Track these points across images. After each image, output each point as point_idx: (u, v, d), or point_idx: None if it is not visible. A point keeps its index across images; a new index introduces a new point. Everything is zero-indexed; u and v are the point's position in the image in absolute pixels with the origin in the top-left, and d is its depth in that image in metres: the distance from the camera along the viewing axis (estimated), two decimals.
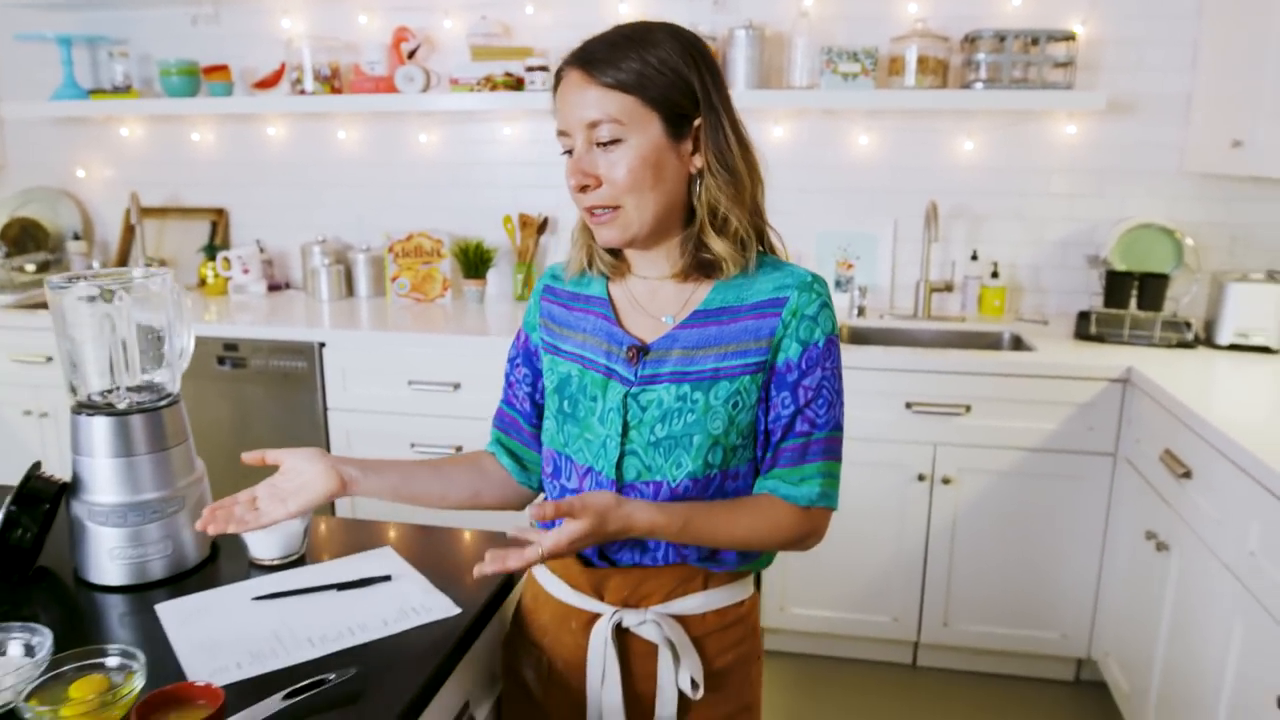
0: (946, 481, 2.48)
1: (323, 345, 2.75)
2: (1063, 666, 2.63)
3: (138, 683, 0.88)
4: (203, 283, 3.39)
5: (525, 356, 1.23)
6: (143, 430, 1.16)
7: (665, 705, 1.09)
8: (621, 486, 1.08)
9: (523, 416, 1.23)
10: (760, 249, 1.11)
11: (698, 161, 1.05)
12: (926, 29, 2.75)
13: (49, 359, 2.98)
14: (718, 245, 1.05)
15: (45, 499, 1.14)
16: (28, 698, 0.86)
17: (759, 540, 1.06)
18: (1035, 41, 2.68)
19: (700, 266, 1.08)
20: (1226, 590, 1.76)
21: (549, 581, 1.16)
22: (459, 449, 2.70)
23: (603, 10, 3.01)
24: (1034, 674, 2.64)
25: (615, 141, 1.00)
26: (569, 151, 1.04)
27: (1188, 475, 1.96)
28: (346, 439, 2.79)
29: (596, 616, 1.10)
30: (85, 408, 1.16)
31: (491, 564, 0.94)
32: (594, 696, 1.10)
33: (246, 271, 3.29)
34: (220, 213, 3.49)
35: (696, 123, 1.04)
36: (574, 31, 3.03)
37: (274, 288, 3.37)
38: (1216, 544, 1.82)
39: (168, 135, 3.47)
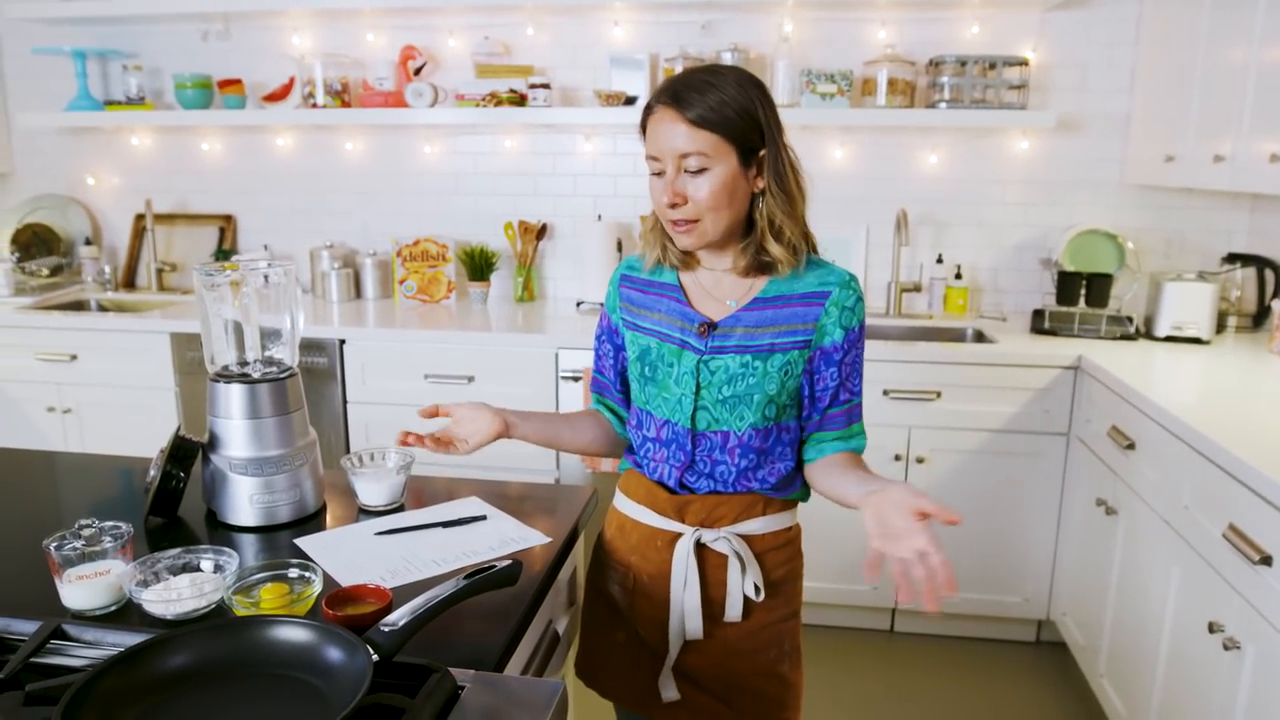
0: (920, 461, 2.75)
1: (343, 342, 2.95)
2: (1025, 628, 2.91)
3: (316, 587, 1.10)
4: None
5: (608, 334, 1.48)
6: (269, 397, 1.37)
7: (733, 606, 1.35)
8: (695, 434, 1.35)
9: (609, 382, 1.50)
10: (808, 250, 1.37)
11: (760, 183, 1.30)
12: (896, 54, 3.04)
13: (73, 357, 3.13)
14: (775, 249, 1.31)
15: (192, 455, 1.35)
16: (233, 594, 1.07)
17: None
18: (992, 66, 2.98)
19: (759, 266, 1.34)
20: (1165, 542, 2.04)
21: (636, 511, 1.41)
22: (471, 379, 2.91)
23: (599, 33, 3.26)
24: (1000, 636, 2.92)
25: (701, 170, 1.25)
26: (659, 173, 1.29)
27: (1131, 446, 2.24)
28: (365, 430, 2.98)
29: (678, 536, 1.36)
30: (222, 377, 1.37)
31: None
32: (676, 600, 1.35)
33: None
34: (228, 219, 3.66)
35: (761, 153, 1.29)
36: (571, 51, 3.32)
37: None
38: (1157, 503, 2.10)
39: (178, 145, 3.63)
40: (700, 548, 1.35)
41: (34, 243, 3.68)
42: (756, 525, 1.37)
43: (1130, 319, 2.90)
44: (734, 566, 1.35)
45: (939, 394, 2.72)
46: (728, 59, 3.05)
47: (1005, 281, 3.25)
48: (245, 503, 1.35)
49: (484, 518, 1.41)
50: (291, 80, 3.41)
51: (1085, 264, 3.02)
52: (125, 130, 3.63)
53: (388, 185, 3.53)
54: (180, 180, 3.66)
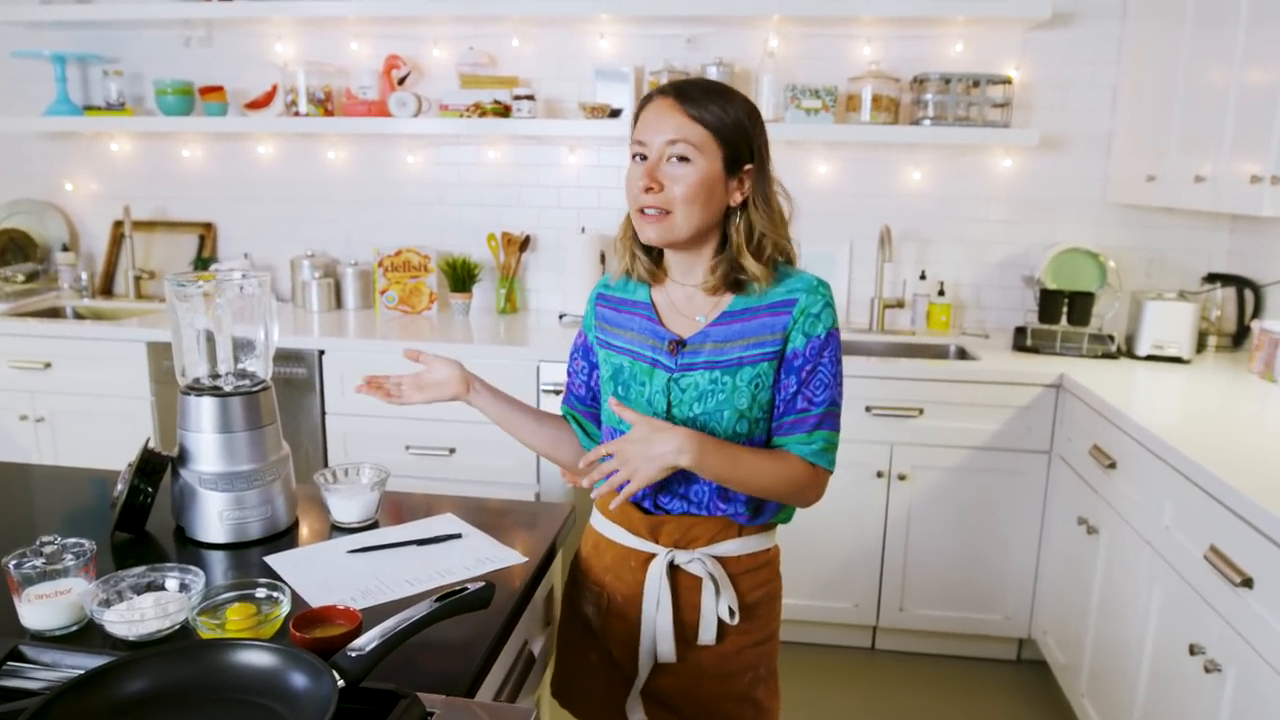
0: (902, 478, 2.75)
1: (322, 353, 2.91)
2: (1006, 647, 2.91)
3: (284, 608, 1.07)
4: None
5: (584, 352, 1.47)
6: (241, 410, 1.34)
7: (707, 630, 1.33)
8: None
9: (580, 400, 1.48)
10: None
11: (738, 197, 1.29)
12: (880, 71, 3.05)
13: (47, 365, 3.08)
14: (752, 266, 1.29)
15: (161, 469, 1.32)
16: (198, 615, 1.04)
17: (775, 486, 1.28)
18: (976, 84, 2.99)
19: (732, 285, 1.31)
20: (1146, 562, 2.04)
21: (610, 530, 1.38)
22: (452, 450, 2.89)
23: (584, 45, 3.25)
24: (981, 654, 2.91)
25: (684, 160, 1.24)
26: (639, 157, 1.27)
27: (1113, 466, 2.24)
28: (343, 442, 2.95)
29: (652, 556, 1.34)
30: (193, 389, 1.34)
31: (594, 473, 1.22)
32: (648, 622, 1.33)
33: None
34: (208, 227, 3.62)
35: (747, 168, 1.29)
36: (556, 63, 3.31)
37: None
38: (1138, 523, 2.10)
39: (158, 151, 3.59)
40: (674, 569, 1.33)
41: (9, 248, 3.63)
42: (732, 547, 1.34)
43: (1112, 337, 2.91)
44: (708, 589, 1.32)
45: (921, 411, 2.71)
46: (713, 73, 3.05)
47: (988, 298, 3.26)
48: (215, 519, 1.32)
49: (459, 536, 1.38)
50: (274, 88, 3.38)
51: (1067, 282, 3.02)
52: (105, 136, 3.59)
53: (370, 195, 3.50)
54: (160, 187, 3.63)
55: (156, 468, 1.32)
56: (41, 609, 1.06)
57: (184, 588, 1.12)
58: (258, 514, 1.34)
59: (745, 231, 1.30)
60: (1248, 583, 1.58)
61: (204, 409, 1.32)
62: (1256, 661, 1.56)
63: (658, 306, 1.38)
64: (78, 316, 3.48)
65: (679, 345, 1.32)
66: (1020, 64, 3.08)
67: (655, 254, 1.38)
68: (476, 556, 1.32)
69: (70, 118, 3.39)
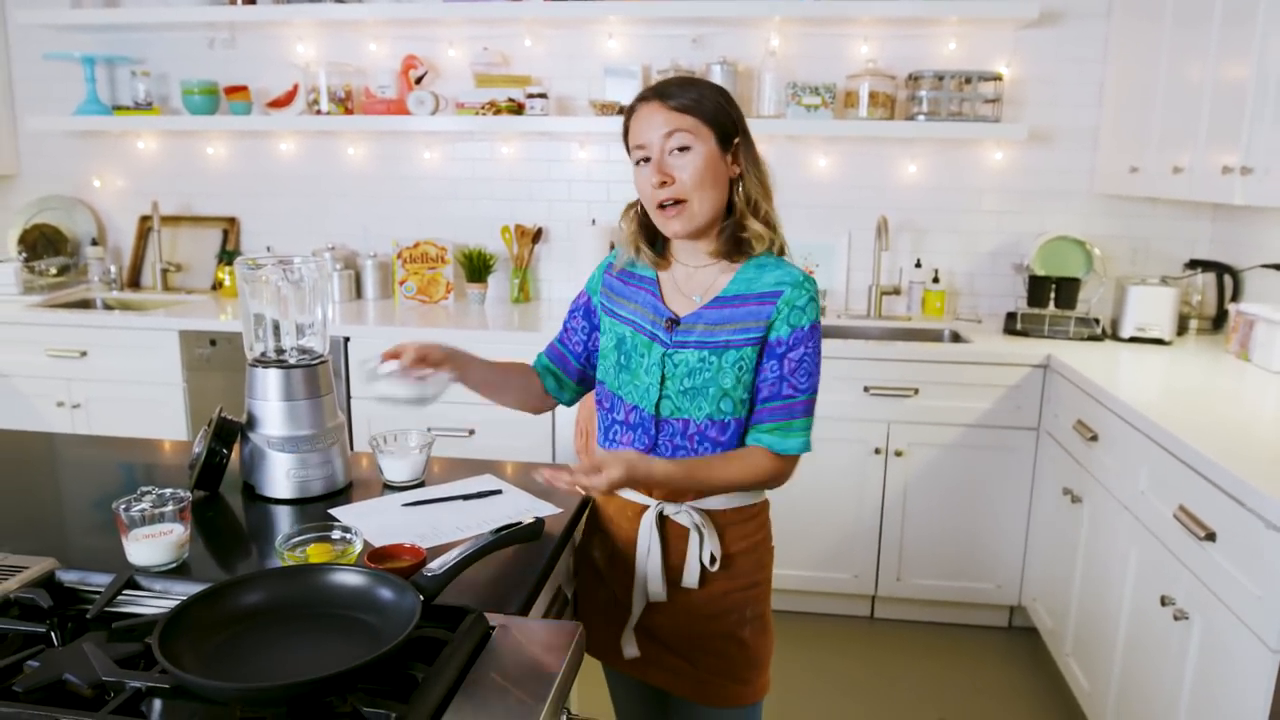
0: (899, 454, 2.90)
1: (348, 340, 3.06)
2: (998, 614, 3.07)
3: (358, 546, 1.23)
4: (218, 285, 3.66)
5: (585, 312, 1.59)
6: (303, 381, 1.49)
7: (690, 574, 1.46)
8: (659, 420, 1.46)
9: (573, 356, 1.61)
10: (769, 251, 1.48)
11: (735, 170, 1.44)
12: (877, 68, 3.20)
13: (83, 353, 3.23)
14: (754, 225, 1.43)
15: (233, 434, 1.47)
16: (286, 551, 1.20)
17: (742, 483, 1.44)
18: (968, 81, 3.14)
19: (737, 246, 1.45)
20: (1124, 526, 2.20)
21: None
22: (472, 432, 3.04)
23: (594, 44, 3.40)
24: (974, 621, 3.07)
25: (685, 149, 1.38)
26: (642, 161, 1.41)
27: (1095, 439, 2.40)
28: (368, 424, 3.10)
29: (646, 508, 1.48)
30: (260, 362, 1.49)
31: (552, 477, 1.34)
32: (640, 565, 1.47)
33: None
34: (232, 221, 3.77)
35: (736, 141, 1.43)
36: (567, 62, 3.47)
37: None
38: (1117, 490, 2.26)
39: (183, 149, 3.74)
40: (664, 519, 1.46)
41: (41, 243, 3.78)
42: (718, 501, 1.47)
43: (1097, 321, 3.06)
44: (693, 538, 1.45)
45: (917, 391, 2.86)
46: (717, 71, 3.20)
47: (980, 285, 3.41)
48: (282, 476, 1.47)
49: (500, 492, 1.54)
50: (295, 87, 3.53)
51: (1055, 269, 3.18)
52: (131, 134, 3.74)
53: (388, 189, 3.65)
54: (185, 183, 3.77)
55: (230, 432, 1.47)
56: (147, 547, 1.21)
57: (345, 541, 1.26)
58: (320, 473, 1.50)
59: (745, 197, 1.44)
60: (1211, 536, 1.74)
61: (270, 380, 1.48)
62: (1218, 608, 1.71)
63: (661, 284, 1.51)
64: (107, 308, 3.63)
65: (674, 323, 1.46)
66: (1010, 62, 3.23)
67: (660, 244, 1.51)
68: (517, 508, 1.48)
69: (99, 117, 3.54)
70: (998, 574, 2.96)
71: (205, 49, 3.62)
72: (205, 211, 3.79)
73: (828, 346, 2.89)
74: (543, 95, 3.30)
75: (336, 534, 1.25)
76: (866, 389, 2.88)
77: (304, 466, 1.48)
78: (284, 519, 1.44)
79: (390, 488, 1.58)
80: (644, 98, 1.42)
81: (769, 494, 1.54)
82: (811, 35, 3.30)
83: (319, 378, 1.52)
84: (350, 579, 1.02)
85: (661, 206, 1.41)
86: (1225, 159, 2.36)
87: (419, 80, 3.45)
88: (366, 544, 1.31)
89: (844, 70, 3.27)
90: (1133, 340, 2.98)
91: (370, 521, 1.41)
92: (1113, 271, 3.24)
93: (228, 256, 3.67)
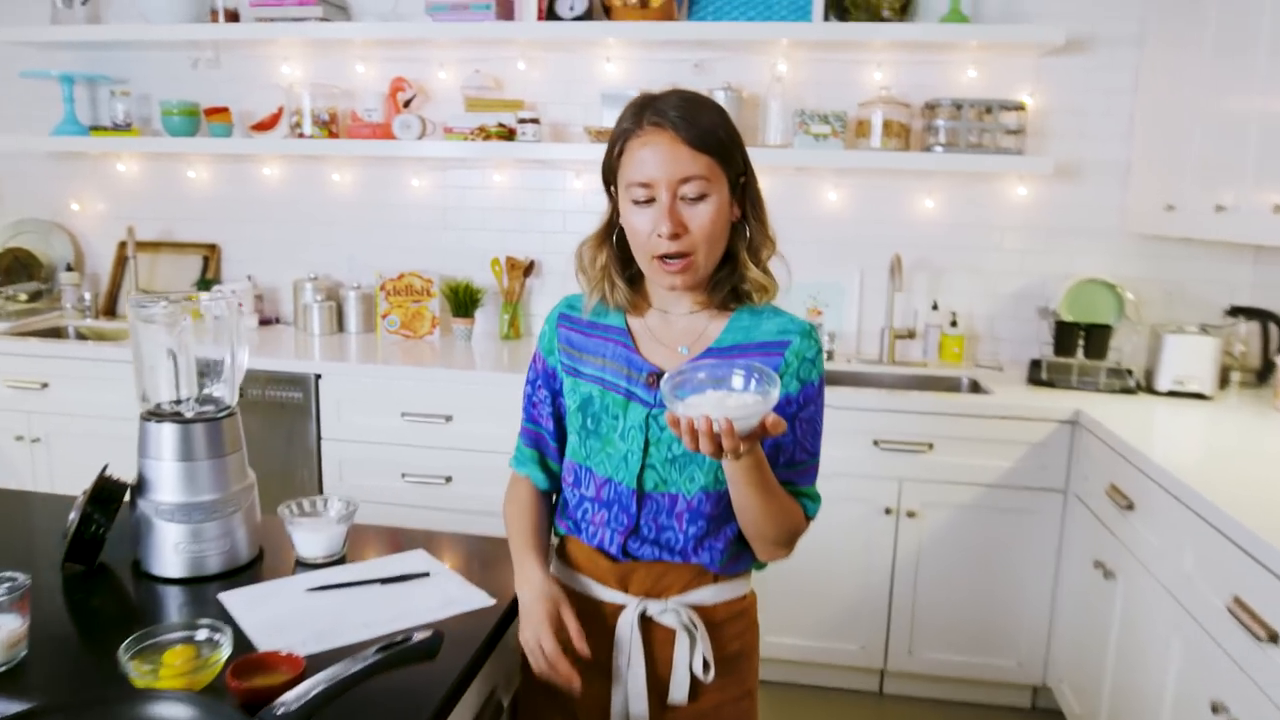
0: (911, 515, 2.65)
1: (319, 377, 2.86)
2: (1020, 694, 2.78)
3: (225, 652, 1.00)
4: (195, 316, 3.47)
5: (545, 379, 1.34)
6: (204, 438, 1.28)
7: (679, 687, 1.22)
8: (642, 495, 1.22)
9: (548, 433, 1.35)
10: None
11: (738, 213, 1.23)
12: (891, 96, 2.99)
13: (44, 385, 3.05)
14: (755, 274, 1.22)
15: (117, 498, 1.26)
16: (130, 659, 0.97)
17: (777, 523, 1.18)
18: (989, 110, 2.92)
19: (734, 297, 1.24)
20: (1166, 611, 1.93)
21: (577, 580, 1.29)
22: (449, 479, 2.82)
23: (591, 69, 3.21)
24: (993, 701, 2.79)
25: (701, 198, 1.16)
26: (647, 201, 1.17)
27: (1130, 507, 2.14)
28: (339, 468, 2.88)
29: (622, 608, 1.24)
30: (154, 415, 1.28)
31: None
32: (620, 679, 1.23)
33: (240, 306, 3.38)
34: (212, 248, 3.59)
35: (742, 180, 1.22)
36: (563, 87, 3.27)
37: (265, 322, 3.47)
38: (1157, 569, 2.00)
39: (163, 172, 3.58)
40: (646, 621, 1.24)
41: (14, 268, 3.62)
42: (707, 594, 1.25)
43: (1130, 372, 2.81)
44: (682, 640, 1.22)
45: (931, 446, 2.62)
46: (721, 97, 2.99)
47: (1002, 330, 3.17)
48: (170, 551, 1.25)
49: (426, 574, 1.31)
50: (280, 110, 3.36)
51: (1084, 314, 2.93)
52: (111, 156, 3.58)
53: (374, 218, 3.47)
54: (165, 208, 3.61)
55: (112, 496, 1.26)
56: None
57: (212, 643, 1.03)
58: (218, 546, 1.27)
59: (747, 243, 1.24)
60: (1274, 638, 1.48)
61: (164, 436, 1.26)
62: None
63: (634, 333, 1.28)
64: (80, 336, 3.46)
65: (659, 378, 1.22)
66: (1034, 90, 3.01)
67: (638, 280, 1.29)
68: (442, 597, 1.24)
69: (76, 138, 3.38)
70: (1020, 650, 2.69)
71: (189, 69, 3.47)
72: (186, 238, 3.62)
73: (834, 395, 2.64)
74: (535, 121, 3.10)
75: (203, 634, 1.03)
76: (876, 443, 2.64)
77: (198, 540, 1.26)
78: (171, 602, 1.22)
79: (303, 565, 1.35)
80: (653, 122, 1.17)
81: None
82: (821, 60, 3.10)
83: (223, 434, 1.30)
84: (171, 714, 0.80)
85: (663, 258, 1.18)
86: (1275, 197, 2.12)
87: (407, 104, 3.27)
88: (245, 644, 1.08)
89: (855, 98, 3.06)
90: (1170, 394, 2.72)
91: (263, 611, 1.18)
92: (1146, 318, 2.99)
93: (205, 285, 3.49)
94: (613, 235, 1.28)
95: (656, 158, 1.16)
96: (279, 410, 2.88)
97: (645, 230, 1.18)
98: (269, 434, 2.90)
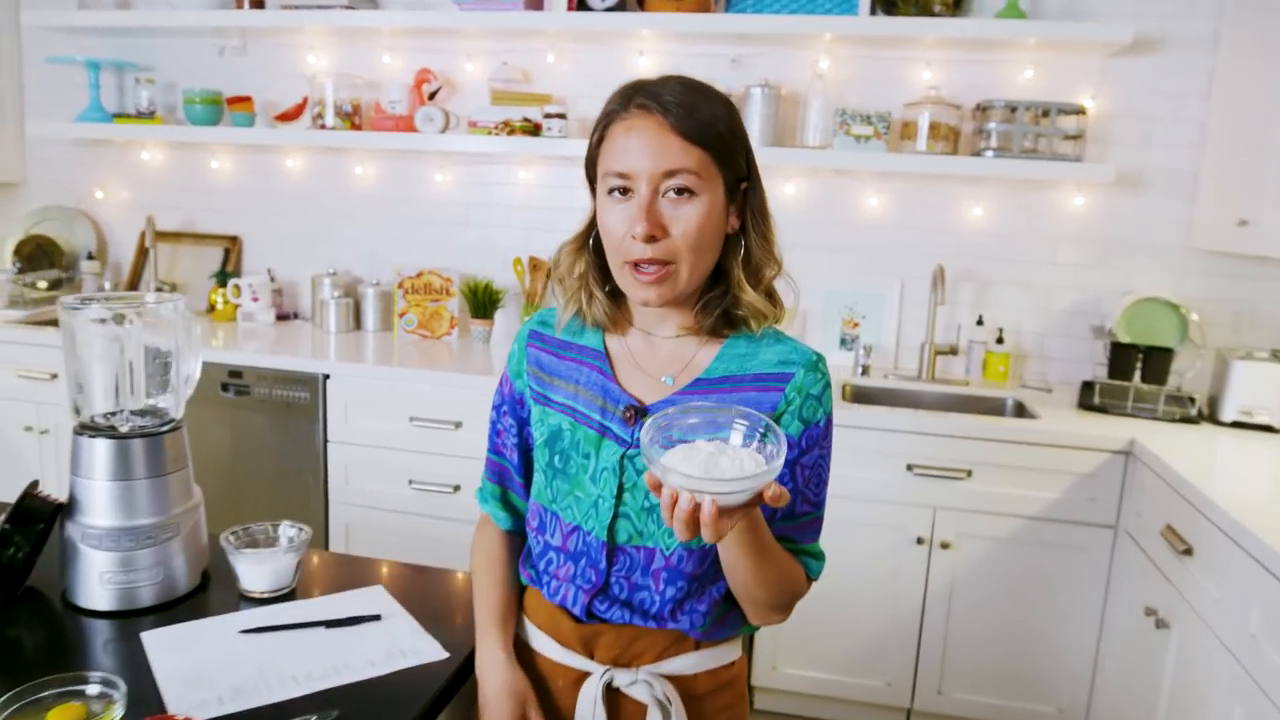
0: (945, 546, 2.46)
1: (327, 377, 2.75)
2: None
3: (116, 713, 0.87)
4: (212, 308, 3.40)
5: (511, 405, 1.18)
6: (143, 455, 1.16)
7: None
8: (613, 549, 1.06)
9: (513, 466, 1.19)
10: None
11: (735, 223, 1.06)
12: (939, 96, 2.79)
13: (53, 376, 2.99)
14: (752, 298, 1.05)
15: (40, 518, 1.14)
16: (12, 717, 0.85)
17: (772, 588, 1.02)
18: (1046, 113, 2.71)
19: (726, 322, 1.07)
20: (1226, 672, 1.73)
21: (535, 637, 1.13)
22: (457, 488, 2.69)
23: (624, 62, 3.07)
24: None
25: (687, 193, 0.99)
26: (620, 190, 1.01)
27: (1189, 552, 1.94)
28: (345, 472, 2.78)
29: (585, 675, 1.08)
30: (88, 429, 1.16)
31: None
32: None
33: (256, 299, 3.30)
34: (234, 240, 3.52)
35: (743, 186, 1.05)
36: (594, 81, 3.12)
37: (282, 317, 3.39)
38: (1217, 624, 1.79)
39: (187, 161, 3.51)
40: (612, 692, 1.07)
41: (37, 255, 3.58)
42: (687, 663, 1.08)
43: (1192, 399, 2.59)
44: (654, 719, 1.05)
45: (970, 473, 2.43)
46: (757, 95, 2.83)
47: (1052, 349, 2.95)
48: (96, 582, 1.13)
49: (378, 617, 1.17)
50: (304, 100, 3.27)
51: (1142, 335, 2.71)
52: (136, 144, 3.53)
53: (396, 213, 3.36)
54: (189, 197, 3.54)
55: (35, 517, 1.14)
56: None
57: (105, 700, 0.91)
58: (151, 576, 1.15)
59: (745, 260, 1.06)
60: None
61: (96, 452, 1.14)
62: None
63: (612, 356, 1.11)
64: None
65: (638, 413, 1.06)
66: (1097, 93, 2.79)
67: (621, 294, 1.10)
68: (389, 647, 1.10)
69: (98, 125, 3.33)
70: (1061, 695, 2.48)
71: (215, 57, 3.39)
72: (208, 228, 3.55)
73: (867, 414, 2.48)
74: (561, 115, 2.97)
75: (95, 688, 0.90)
76: (910, 467, 2.45)
77: (128, 569, 1.13)
78: (96, 639, 1.10)
79: (247, 599, 1.22)
80: (639, 105, 1.00)
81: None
82: (866, 57, 2.91)
83: (164, 450, 1.18)
84: None
85: (636, 265, 1.01)
86: None
87: (433, 95, 3.16)
88: (146, 700, 0.95)
89: (901, 98, 2.87)
90: (1236, 425, 2.50)
91: (186, 656, 1.06)
92: (1212, 341, 2.76)
93: (223, 277, 3.41)
94: (591, 239, 1.11)
95: (640, 145, 0.99)
96: (285, 411, 2.78)
97: (619, 230, 1.01)
98: (275, 435, 2.80)
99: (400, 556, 2.75)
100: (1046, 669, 2.48)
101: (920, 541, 2.48)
